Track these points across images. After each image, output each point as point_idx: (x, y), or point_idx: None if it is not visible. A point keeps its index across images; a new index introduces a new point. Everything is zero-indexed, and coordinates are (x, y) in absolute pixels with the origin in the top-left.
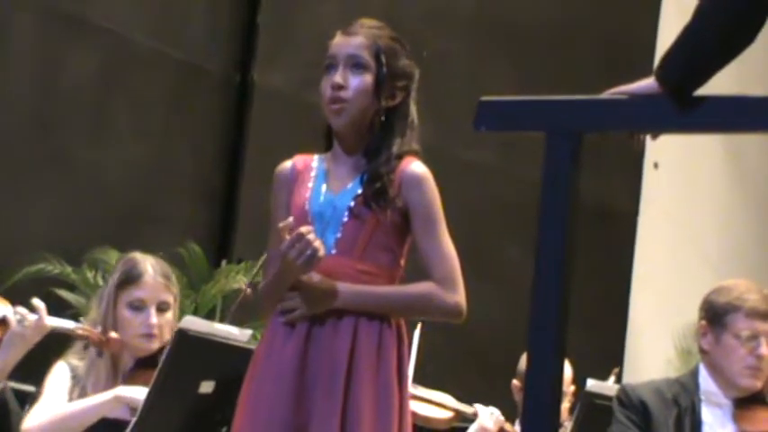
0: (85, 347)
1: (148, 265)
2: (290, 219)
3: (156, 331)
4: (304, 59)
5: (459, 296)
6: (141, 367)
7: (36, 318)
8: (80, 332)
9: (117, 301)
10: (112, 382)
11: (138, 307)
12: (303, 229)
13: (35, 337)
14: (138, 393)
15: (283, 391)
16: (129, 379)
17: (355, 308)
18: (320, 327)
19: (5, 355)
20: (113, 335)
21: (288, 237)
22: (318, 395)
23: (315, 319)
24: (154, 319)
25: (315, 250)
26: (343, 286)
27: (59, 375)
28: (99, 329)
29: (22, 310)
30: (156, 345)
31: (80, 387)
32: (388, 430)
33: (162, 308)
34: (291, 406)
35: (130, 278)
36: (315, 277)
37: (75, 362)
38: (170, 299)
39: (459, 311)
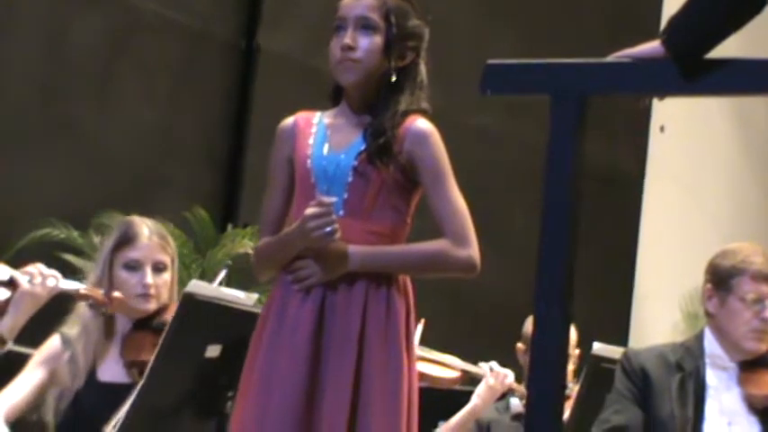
0: (103, 315)
1: (144, 226)
2: (334, 198)
3: (152, 291)
4: (309, 25)
5: (473, 249)
6: (139, 329)
7: (42, 276)
8: (83, 292)
9: (113, 263)
10: (106, 345)
11: (134, 267)
12: (327, 200)
13: (44, 297)
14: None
15: (299, 355)
16: (128, 341)
17: (370, 270)
18: (334, 293)
19: (15, 315)
20: (117, 294)
21: (317, 207)
22: (332, 361)
23: (328, 284)
24: (149, 278)
25: (334, 231)
26: (356, 249)
27: (45, 349)
28: (102, 290)
29: (31, 269)
30: (152, 305)
31: (71, 353)
32: (398, 395)
33: (158, 268)
34: (306, 371)
35: (126, 239)
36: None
37: (68, 330)
38: (166, 259)
39: (472, 265)
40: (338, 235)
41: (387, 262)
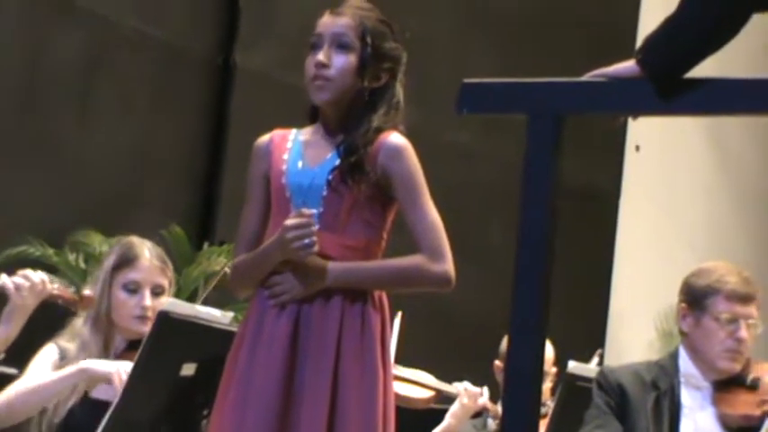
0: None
1: (145, 248)
2: (314, 211)
3: (149, 314)
4: (286, 42)
5: (448, 264)
6: (132, 349)
7: (30, 283)
8: (55, 292)
9: (112, 283)
10: None
11: (133, 289)
12: (308, 211)
13: (35, 304)
14: (103, 365)
15: (274, 372)
16: (120, 360)
17: (346, 285)
18: (309, 308)
19: (7, 327)
20: (87, 292)
21: (297, 218)
22: (307, 376)
23: (304, 299)
24: (148, 301)
25: (312, 243)
26: (333, 265)
27: (44, 356)
28: (72, 289)
29: (18, 279)
30: (148, 328)
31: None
32: (374, 409)
33: (156, 291)
34: (281, 388)
35: (126, 260)
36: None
37: (65, 343)
38: (165, 283)
39: (447, 280)
40: (316, 248)
41: (363, 278)
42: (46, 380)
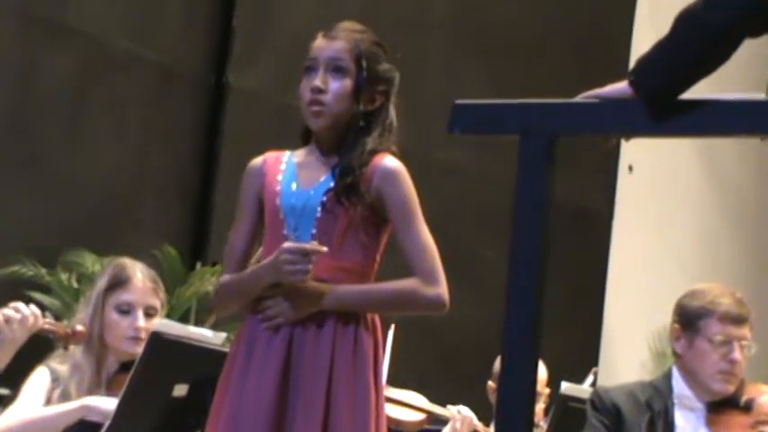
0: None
1: (137, 269)
2: (324, 249)
3: (142, 335)
4: (279, 62)
5: (442, 288)
6: (125, 371)
7: (21, 316)
8: (46, 326)
9: (105, 305)
10: (96, 385)
11: (126, 310)
12: (311, 247)
13: (25, 337)
14: (106, 403)
15: (266, 396)
16: (112, 382)
17: (340, 308)
18: (302, 332)
19: None
20: (79, 327)
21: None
22: (300, 399)
23: (296, 322)
24: (141, 322)
25: (306, 271)
26: (327, 288)
27: (37, 380)
28: (64, 323)
29: (8, 311)
30: (141, 349)
31: (62, 389)
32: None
33: (149, 313)
34: (273, 411)
35: (119, 281)
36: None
37: (57, 366)
38: (157, 304)
39: (441, 303)
40: (309, 276)
41: (357, 301)
42: (49, 413)
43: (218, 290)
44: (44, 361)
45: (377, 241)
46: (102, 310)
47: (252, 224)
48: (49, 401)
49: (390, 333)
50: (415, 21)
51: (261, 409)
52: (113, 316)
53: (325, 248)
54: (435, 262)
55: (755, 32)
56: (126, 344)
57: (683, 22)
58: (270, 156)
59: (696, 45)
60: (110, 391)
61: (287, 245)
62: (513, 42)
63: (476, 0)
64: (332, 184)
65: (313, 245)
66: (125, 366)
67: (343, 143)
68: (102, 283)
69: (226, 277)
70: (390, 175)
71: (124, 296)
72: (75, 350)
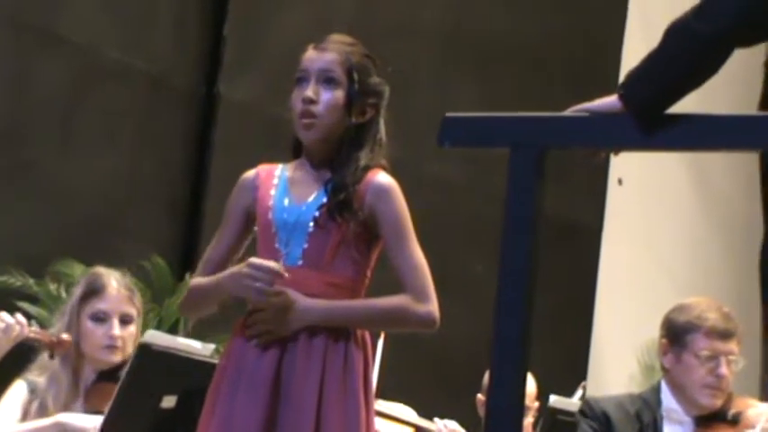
0: (51, 357)
1: (112, 278)
2: (286, 275)
3: (118, 343)
4: (270, 73)
5: (432, 305)
6: (103, 381)
7: (4, 325)
8: (32, 335)
9: (80, 314)
10: (74, 395)
11: (101, 319)
12: (276, 266)
13: (8, 347)
14: (79, 420)
15: (255, 412)
16: (91, 393)
17: (330, 324)
18: (293, 347)
19: None
20: (65, 336)
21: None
22: (290, 417)
23: (287, 338)
24: (116, 330)
25: (262, 292)
26: (315, 303)
27: (13, 394)
28: (50, 331)
29: None
30: (118, 357)
31: (40, 401)
32: None
33: (125, 320)
34: (264, 426)
35: (93, 290)
36: (289, 294)
37: (35, 378)
38: (133, 312)
39: (432, 321)
40: (264, 299)
41: (347, 316)
42: (22, 429)
43: (186, 292)
44: (22, 374)
45: (368, 257)
46: (78, 320)
47: (234, 236)
48: (26, 415)
49: (380, 345)
50: (406, 33)
51: (251, 423)
52: (89, 325)
53: (286, 274)
54: (427, 280)
55: (746, 43)
56: (102, 352)
57: (674, 33)
58: (262, 169)
59: (686, 56)
60: (87, 403)
61: (252, 259)
62: (503, 56)
63: (467, 13)
64: (324, 200)
65: (277, 266)
66: (102, 376)
67: (335, 157)
68: (77, 293)
69: (194, 281)
70: (384, 192)
71: (99, 305)
72: (52, 362)
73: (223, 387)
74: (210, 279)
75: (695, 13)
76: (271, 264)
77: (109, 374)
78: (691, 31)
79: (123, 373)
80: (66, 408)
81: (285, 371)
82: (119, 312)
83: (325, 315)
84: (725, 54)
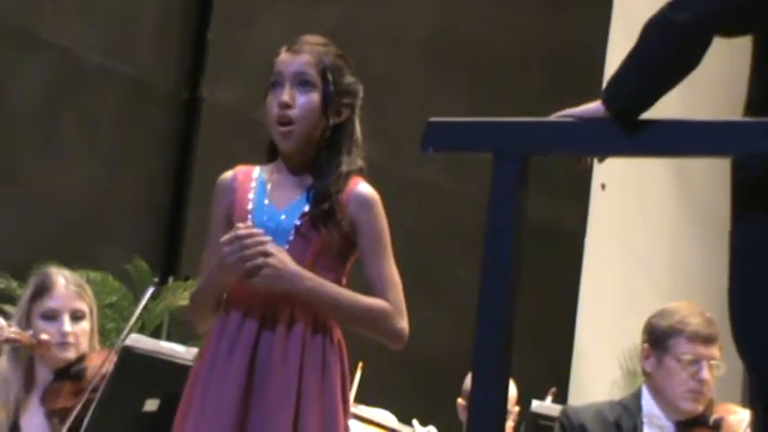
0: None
1: (60, 276)
2: (249, 223)
3: (70, 339)
4: (252, 77)
5: (406, 324)
6: (61, 379)
7: None
8: (11, 335)
9: (31, 314)
10: (28, 396)
11: (52, 317)
12: (245, 230)
13: None
14: None
15: (226, 414)
16: (51, 393)
17: (313, 300)
18: (268, 347)
19: None
20: (44, 337)
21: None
22: (268, 418)
23: (263, 327)
24: (67, 326)
25: (246, 259)
26: (308, 273)
27: None
28: (30, 332)
29: None
30: (71, 353)
31: None
32: None
33: (76, 316)
34: (237, 416)
35: (42, 289)
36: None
37: None
38: (84, 308)
39: (403, 338)
40: (258, 261)
41: (332, 301)
42: None
43: (189, 304)
44: None
45: (344, 265)
46: (28, 320)
47: None
48: None
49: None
50: (389, 38)
51: (223, 415)
52: (40, 324)
53: (260, 230)
54: (401, 297)
55: (724, 32)
56: (55, 350)
57: (652, 26)
58: (240, 170)
59: (666, 47)
60: (46, 404)
61: (224, 237)
62: (487, 61)
63: (451, 18)
64: (306, 208)
65: (246, 226)
66: (60, 374)
67: (314, 161)
68: (26, 294)
69: (192, 292)
70: (366, 204)
71: (48, 303)
72: (2, 365)
73: (196, 388)
74: (203, 279)
75: (670, 5)
76: (240, 231)
77: (64, 371)
78: (668, 21)
79: (86, 370)
80: (20, 409)
81: (258, 374)
82: (69, 309)
83: (315, 290)
84: (704, 44)
